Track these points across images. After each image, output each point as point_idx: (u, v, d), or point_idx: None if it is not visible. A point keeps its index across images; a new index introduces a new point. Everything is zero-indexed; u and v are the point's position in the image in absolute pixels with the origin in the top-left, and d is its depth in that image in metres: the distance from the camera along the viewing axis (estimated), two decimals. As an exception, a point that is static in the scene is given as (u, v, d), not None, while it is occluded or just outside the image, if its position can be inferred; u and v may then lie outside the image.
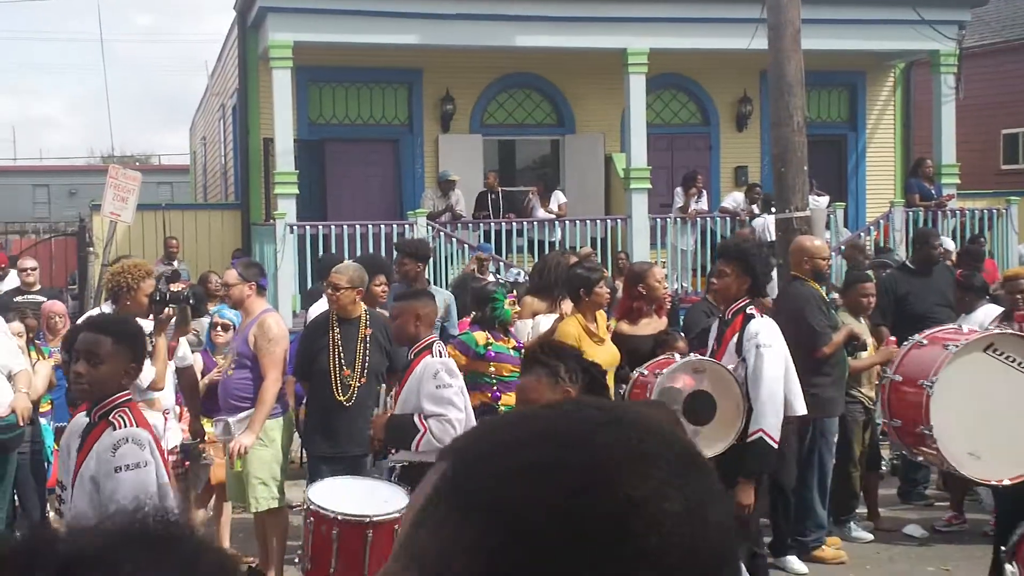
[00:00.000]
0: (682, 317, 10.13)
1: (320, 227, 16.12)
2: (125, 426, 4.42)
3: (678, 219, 17.52)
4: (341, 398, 7.32)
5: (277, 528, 7.71)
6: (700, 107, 20.29)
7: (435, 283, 13.25)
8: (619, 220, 17.48)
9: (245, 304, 7.69)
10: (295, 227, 15.91)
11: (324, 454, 7.41)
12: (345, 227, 15.90)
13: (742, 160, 19.29)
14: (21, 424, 7.06)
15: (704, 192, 18.02)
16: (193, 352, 8.23)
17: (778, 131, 11.63)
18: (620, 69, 17.40)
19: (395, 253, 10.09)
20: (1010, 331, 6.90)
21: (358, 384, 7.35)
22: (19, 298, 11.73)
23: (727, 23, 17.09)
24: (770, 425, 6.56)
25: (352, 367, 7.34)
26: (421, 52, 17.76)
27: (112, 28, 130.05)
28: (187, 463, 8.24)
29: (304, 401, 8.28)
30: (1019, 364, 6.44)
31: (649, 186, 17.46)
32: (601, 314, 7.82)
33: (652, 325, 8.14)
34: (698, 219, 17.45)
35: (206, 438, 8.33)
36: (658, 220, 17.43)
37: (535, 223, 17.08)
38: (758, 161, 19.73)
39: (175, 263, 15.66)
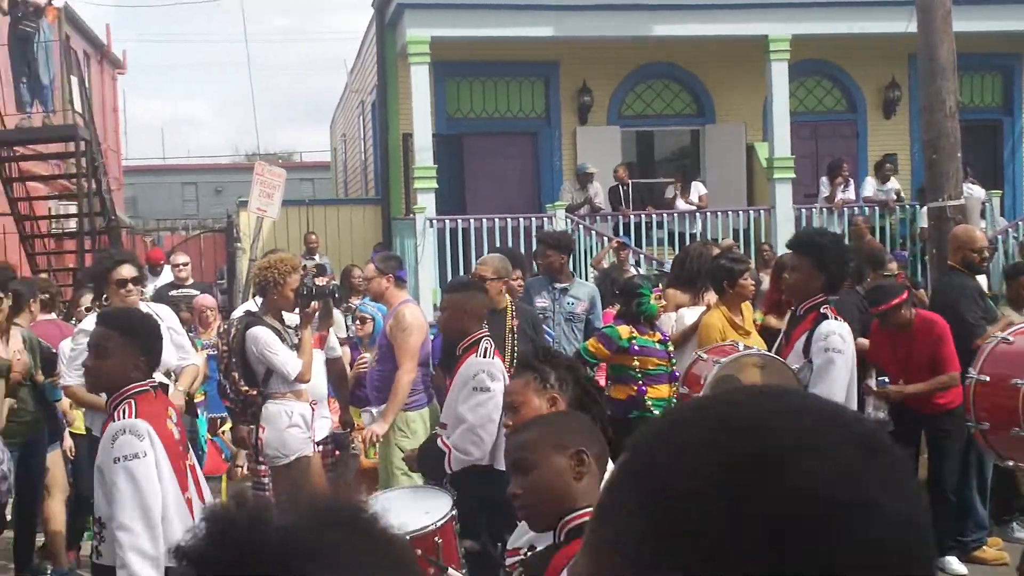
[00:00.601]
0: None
1: (459, 221, 16.19)
2: (124, 418, 4.49)
3: (824, 209, 17.13)
4: None
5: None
6: (845, 93, 19.80)
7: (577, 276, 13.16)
8: (762, 211, 17.18)
9: (385, 296, 7.78)
10: (435, 221, 16.00)
11: None
12: (484, 220, 15.93)
13: (890, 147, 18.73)
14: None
15: (851, 181, 17.56)
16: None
17: (929, 117, 11.22)
18: (762, 56, 17.07)
19: (535, 246, 10.01)
20: None
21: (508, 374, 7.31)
22: (173, 292, 12.08)
23: (873, 6, 16.67)
24: None
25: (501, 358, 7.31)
26: (558, 44, 17.70)
27: (253, 29, 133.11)
28: (337, 452, 8.37)
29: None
30: None
31: (793, 176, 17.11)
32: (747, 306, 7.66)
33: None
34: (845, 209, 17.03)
35: (356, 428, 8.44)
36: (803, 210, 17.08)
37: (675, 215, 16.88)
38: (907, 148, 19.18)
39: (316, 258, 15.92)
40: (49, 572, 8.05)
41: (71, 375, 6.94)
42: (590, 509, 2.80)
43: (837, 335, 5.99)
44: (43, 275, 13.88)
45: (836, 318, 6.11)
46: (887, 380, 7.71)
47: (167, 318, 7.24)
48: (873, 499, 0.93)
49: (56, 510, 8.00)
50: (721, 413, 1.01)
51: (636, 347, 7.56)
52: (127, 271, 6.93)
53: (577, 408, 4.00)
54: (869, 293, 8.12)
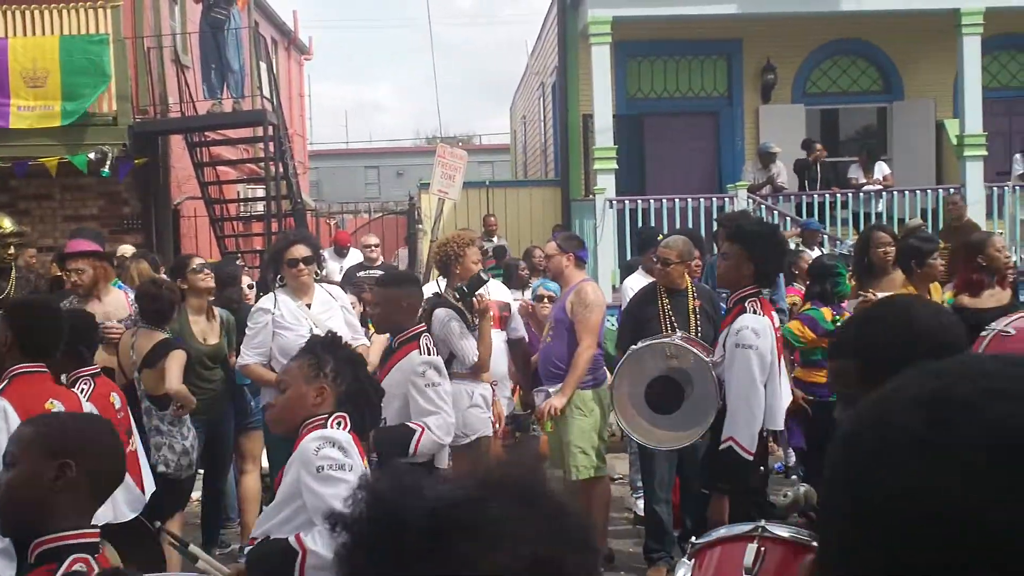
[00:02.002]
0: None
1: (639, 201, 16.15)
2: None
3: (1017, 187, 16.49)
4: None
5: (599, 498, 7.77)
6: (1042, 68, 18.99)
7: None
8: (952, 190, 16.63)
9: (564, 274, 7.83)
10: (614, 202, 16.00)
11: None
12: (664, 201, 15.86)
13: (1090, 123, 17.93)
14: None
15: (1048, 158, 16.85)
16: None
17: None
18: (952, 31, 16.50)
19: (715, 227, 9.94)
20: None
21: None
22: (361, 273, 12.35)
23: (1074, -24, 15.92)
24: (741, 435, 5.78)
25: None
26: (740, 21, 17.47)
27: (435, 13, 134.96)
28: (517, 434, 8.41)
29: None
30: None
31: (985, 153, 16.51)
32: (936, 287, 7.46)
33: (995, 298, 7.68)
34: (1040, 187, 16.36)
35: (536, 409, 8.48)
36: (995, 189, 16.47)
37: (859, 194, 16.48)
38: (1109, 123, 18.30)
39: (495, 240, 16.11)
40: (238, 547, 8.12)
41: (249, 354, 7.17)
42: (68, 533, 2.69)
43: (750, 330, 5.73)
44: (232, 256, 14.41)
45: (760, 312, 5.84)
46: None
47: (340, 298, 7.50)
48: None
49: (251, 486, 8.18)
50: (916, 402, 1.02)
51: (840, 328, 7.46)
52: (299, 251, 7.15)
53: (349, 404, 3.92)
54: None
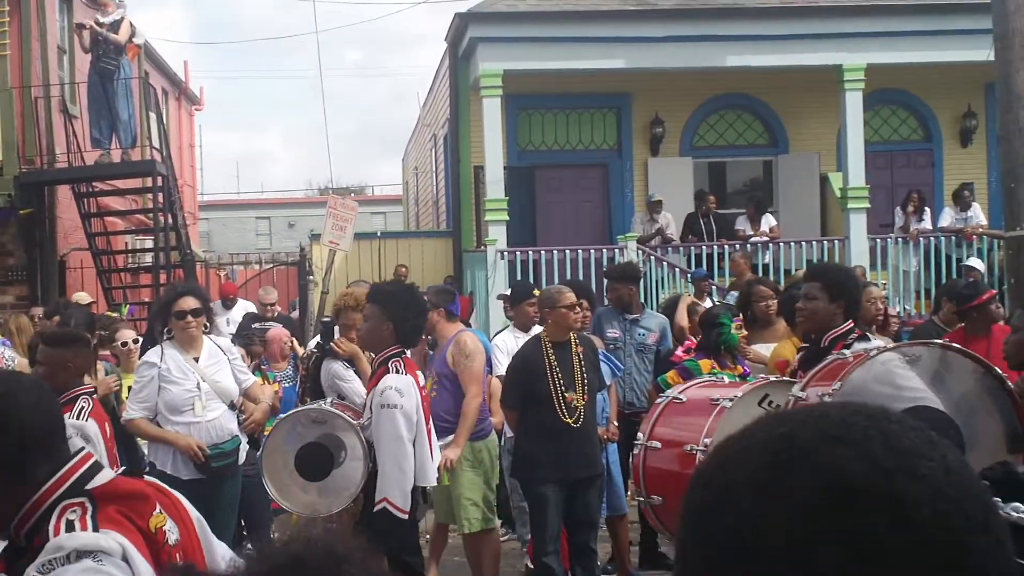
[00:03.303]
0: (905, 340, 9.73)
1: (530, 252, 16.21)
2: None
3: (899, 239, 16.92)
4: (568, 420, 7.21)
5: (490, 550, 7.72)
6: (921, 122, 19.58)
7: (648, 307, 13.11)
8: (836, 241, 17.00)
9: (437, 329, 7.81)
10: (506, 253, 16.04)
11: (552, 479, 7.29)
12: (555, 252, 15.94)
13: (967, 176, 18.47)
14: (249, 428, 7.26)
15: (927, 210, 17.33)
16: None
17: (1007, 146, 11.10)
18: (835, 86, 16.95)
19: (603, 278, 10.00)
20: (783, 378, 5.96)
21: (582, 404, 7.27)
22: (256, 325, 12.18)
23: (948, 35, 16.49)
24: (393, 494, 5.81)
25: (574, 389, 7.26)
26: (630, 76, 17.73)
27: (326, 64, 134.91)
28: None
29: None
30: None
31: (868, 205, 16.92)
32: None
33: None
34: (920, 239, 16.80)
35: None
36: (878, 240, 16.88)
37: (747, 245, 16.76)
38: (984, 177, 18.90)
39: None
40: None
41: (134, 408, 7.00)
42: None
43: (393, 389, 5.82)
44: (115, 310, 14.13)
45: (403, 371, 5.94)
46: None
47: (229, 351, 7.38)
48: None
49: None
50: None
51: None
52: (188, 303, 7.01)
53: None
54: (958, 291, 7.95)
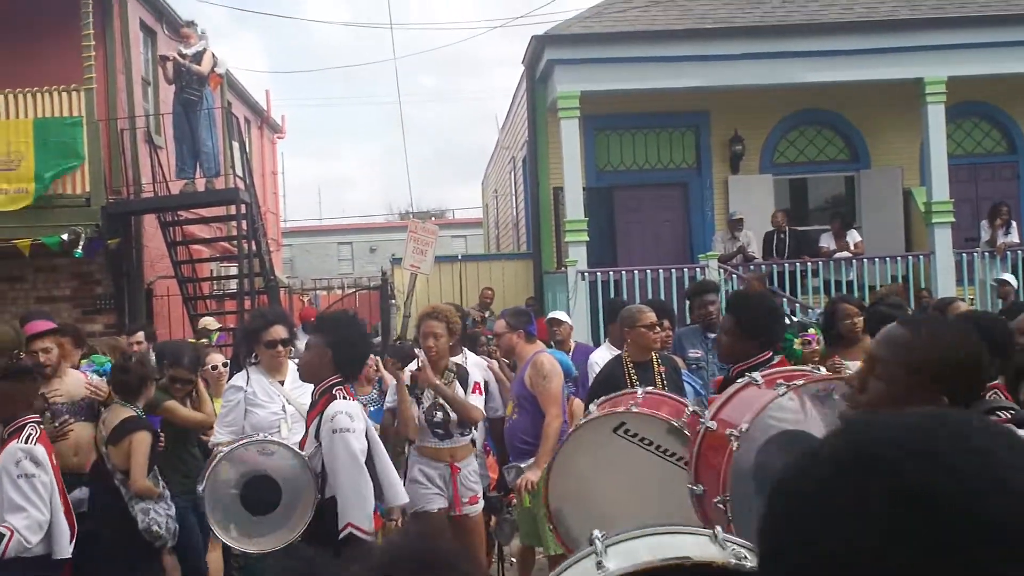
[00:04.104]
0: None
1: (611, 273, 16.21)
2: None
3: (986, 253, 16.67)
4: None
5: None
6: (1005, 134, 19.28)
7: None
8: (921, 256, 16.79)
9: (516, 351, 7.85)
10: (586, 274, 16.06)
11: None
12: (636, 272, 15.92)
13: (1053, 188, 18.19)
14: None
15: (1013, 224, 17.07)
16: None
17: (1095, 155, 10.91)
18: (917, 100, 16.78)
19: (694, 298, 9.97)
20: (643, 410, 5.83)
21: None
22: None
23: (1031, 45, 16.24)
24: (358, 518, 5.72)
25: None
26: (707, 94, 17.69)
27: (404, 89, 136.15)
28: (493, 518, 8.27)
29: None
30: (653, 446, 5.57)
31: (952, 220, 16.70)
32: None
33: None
34: (1007, 252, 16.54)
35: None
36: (963, 255, 16.64)
37: (830, 262, 16.61)
38: (1071, 188, 18.56)
39: (488, 312, 16.30)
40: None
41: (221, 431, 7.03)
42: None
43: (344, 414, 5.74)
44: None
45: (347, 397, 5.87)
46: None
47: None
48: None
49: (215, 560, 8.12)
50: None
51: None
52: (278, 332, 7.08)
53: None
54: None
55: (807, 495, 1.02)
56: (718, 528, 3.49)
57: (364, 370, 10.21)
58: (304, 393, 7.21)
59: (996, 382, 4.43)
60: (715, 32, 16.82)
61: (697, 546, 2.67)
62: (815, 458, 1.06)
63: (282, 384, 7.15)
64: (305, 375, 6.27)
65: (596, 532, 2.71)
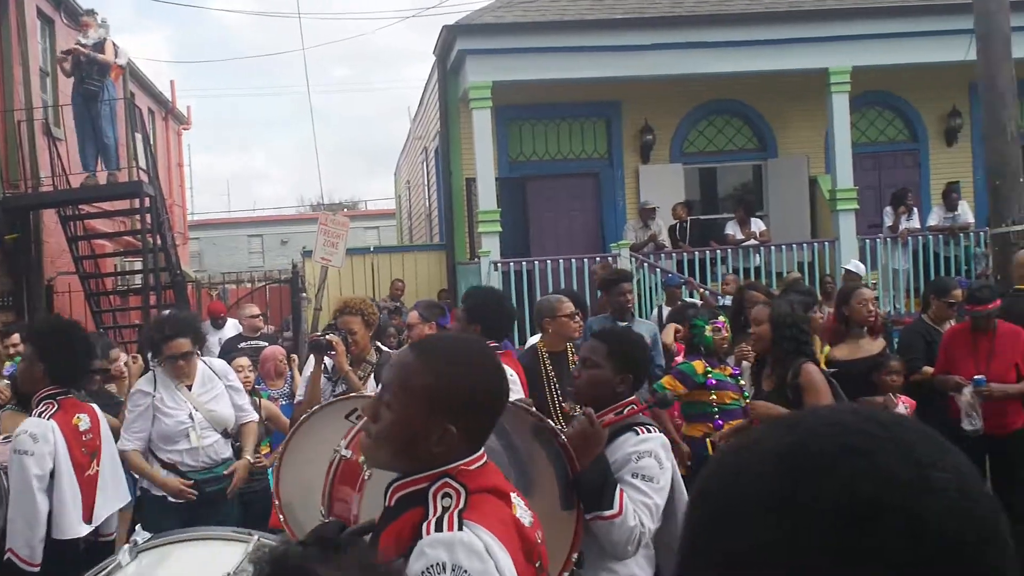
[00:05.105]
0: (896, 339, 9.80)
1: (524, 263, 16.25)
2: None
3: (888, 239, 17.01)
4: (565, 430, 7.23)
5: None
6: (907, 123, 19.67)
7: (640, 315, 13.16)
8: (826, 243, 17.07)
9: None
10: (499, 264, 16.08)
11: None
12: (548, 262, 15.97)
13: (953, 175, 18.59)
14: (228, 493, 7.09)
15: (915, 210, 17.46)
16: None
17: (991, 143, 11.19)
18: (822, 89, 17.06)
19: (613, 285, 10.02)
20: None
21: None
22: (242, 344, 12.16)
23: (932, 36, 16.58)
24: (18, 545, 5.44)
25: (571, 399, 7.29)
26: (618, 84, 17.78)
27: (314, 81, 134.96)
28: None
29: None
30: None
31: (856, 207, 17.02)
32: (817, 340, 7.61)
33: (865, 348, 7.89)
34: (909, 238, 16.91)
35: None
36: (867, 241, 16.97)
37: (739, 250, 16.82)
38: (970, 175, 19.00)
39: (399, 302, 16.23)
40: None
41: (128, 438, 6.82)
42: None
43: (27, 434, 5.52)
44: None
45: (48, 415, 5.65)
46: (984, 379, 7.60)
47: (224, 374, 7.21)
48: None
49: None
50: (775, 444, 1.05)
51: (712, 380, 7.55)
52: (179, 346, 6.82)
53: None
54: (974, 292, 8.00)
55: (743, 493, 1.01)
56: (256, 535, 3.55)
57: (273, 365, 10.16)
58: (213, 398, 7.05)
59: (634, 398, 4.42)
60: (625, 23, 16.92)
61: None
62: (752, 455, 1.04)
63: (189, 389, 6.99)
64: (21, 386, 5.99)
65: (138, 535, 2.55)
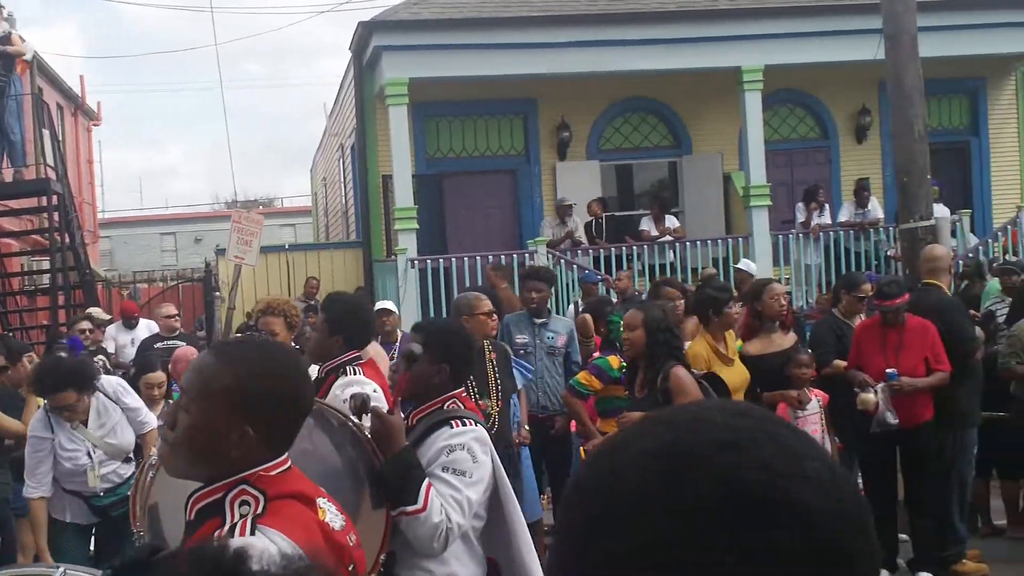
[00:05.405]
0: (808, 333, 9.97)
1: (441, 260, 16.22)
2: None
3: (801, 235, 17.28)
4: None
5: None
6: (818, 121, 19.98)
7: (557, 311, 13.22)
8: (740, 239, 17.29)
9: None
10: (416, 262, 16.04)
11: None
12: (466, 259, 15.97)
13: (863, 172, 18.92)
14: None
15: (826, 206, 17.76)
16: None
17: (899, 141, 11.42)
18: (735, 87, 17.26)
19: (518, 282, 10.08)
20: None
21: (496, 411, 7.32)
22: (158, 345, 11.98)
23: (842, 35, 16.86)
24: None
25: (488, 396, 7.31)
26: (536, 82, 17.83)
27: (228, 76, 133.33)
28: None
29: None
30: None
31: (769, 203, 17.26)
32: (731, 334, 7.71)
33: (777, 343, 8.01)
34: (821, 234, 17.20)
35: None
36: (780, 237, 17.21)
37: (654, 246, 16.97)
38: (879, 172, 19.34)
39: (313, 301, 16.05)
40: None
41: (33, 486, 6.67)
42: None
43: None
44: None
45: None
46: (896, 373, 7.71)
47: (119, 397, 7.02)
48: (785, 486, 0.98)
49: None
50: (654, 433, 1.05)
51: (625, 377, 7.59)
52: (65, 399, 6.62)
53: None
54: (882, 287, 8.13)
55: (621, 492, 1.00)
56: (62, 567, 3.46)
57: (186, 365, 10.01)
58: (111, 430, 6.85)
59: (459, 391, 4.39)
60: (542, 20, 16.97)
61: None
62: (628, 454, 1.03)
63: (86, 424, 6.80)
64: None
65: None
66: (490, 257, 15.93)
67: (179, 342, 11.91)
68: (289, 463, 2.56)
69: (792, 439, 1.02)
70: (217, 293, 17.63)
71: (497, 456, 4.29)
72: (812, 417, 7.78)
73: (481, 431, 4.25)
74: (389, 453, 3.96)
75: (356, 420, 4.09)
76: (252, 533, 2.31)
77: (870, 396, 7.65)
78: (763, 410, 1.10)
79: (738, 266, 14.53)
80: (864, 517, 1.02)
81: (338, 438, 4.05)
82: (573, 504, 1.06)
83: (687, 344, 7.72)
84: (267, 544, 2.24)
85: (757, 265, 16.14)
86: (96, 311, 13.67)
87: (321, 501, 2.57)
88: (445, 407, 4.29)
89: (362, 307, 5.73)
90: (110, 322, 14.20)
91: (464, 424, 4.19)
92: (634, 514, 0.98)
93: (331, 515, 2.57)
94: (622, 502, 1.00)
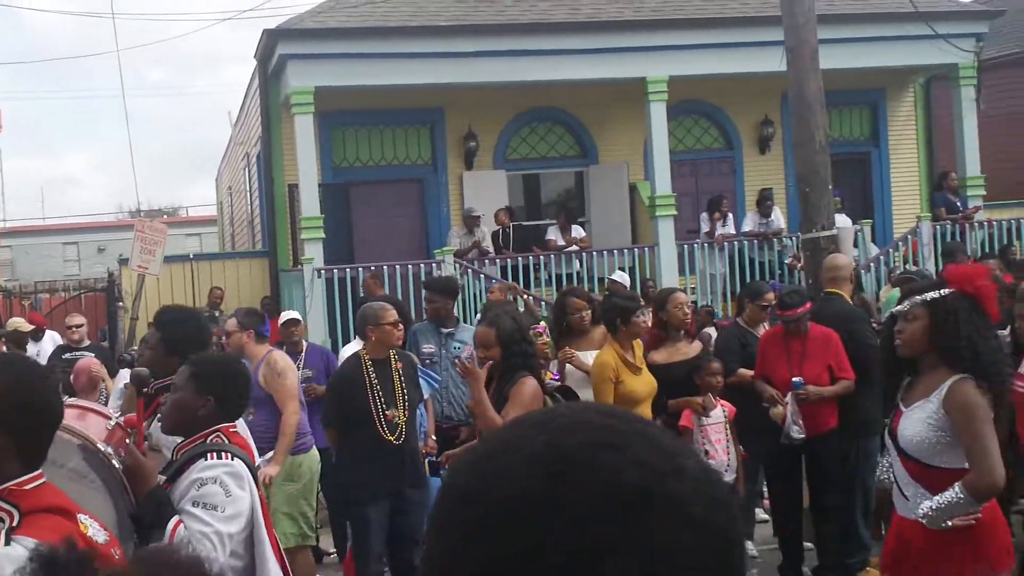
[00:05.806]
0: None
1: (348, 270, 16.13)
2: None
3: (706, 244, 17.48)
4: (389, 437, 7.23)
5: (302, 568, 7.63)
6: (722, 131, 20.26)
7: (465, 320, 13.22)
8: (646, 249, 17.44)
9: (245, 351, 7.75)
10: (323, 271, 15.93)
11: (374, 498, 7.26)
12: (373, 268, 15.89)
13: (766, 182, 19.23)
14: None
15: (730, 216, 18.00)
16: None
17: (801, 152, 11.62)
18: (641, 98, 17.43)
19: (423, 292, 10.06)
20: None
21: (403, 421, 7.30)
22: (66, 355, 11.73)
23: (745, 47, 17.14)
24: None
25: (394, 406, 7.28)
26: (442, 91, 17.82)
27: (130, 85, 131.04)
28: None
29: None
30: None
31: (675, 213, 17.44)
32: (639, 343, 7.76)
33: (682, 352, 8.09)
34: (725, 243, 17.42)
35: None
36: (685, 246, 17.40)
37: (561, 256, 17.05)
38: (782, 182, 19.66)
39: (218, 311, 15.82)
40: None
41: None
42: None
43: None
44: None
45: None
46: (803, 381, 7.78)
47: None
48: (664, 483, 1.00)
49: None
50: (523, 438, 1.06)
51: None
52: None
53: None
54: (783, 297, 8.22)
55: (501, 497, 1.01)
56: None
57: (86, 377, 9.82)
58: None
59: (227, 424, 4.27)
60: (448, 30, 16.98)
61: None
62: (504, 459, 1.04)
63: None
64: None
65: None
66: (397, 267, 15.89)
67: (87, 353, 11.64)
68: (44, 478, 2.54)
69: (664, 438, 1.05)
70: (120, 303, 17.32)
71: (257, 495, 4.14)
72: (717, 426, 7.87)
73: (237, 465, 4.09)
74: (140, 492, 3.85)
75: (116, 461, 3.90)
76: (7, 544, 2.27)
77: (779, 411, 7.77)
78: (631, 412, 1.12)
79: (612, 277, 14.58)
80: (734, 509, 1.05)
81: (97, 464, 3.87)
82: (447, 511, 1.06)
83: (595, 353, 7.79)
84: (21, 551, 2.19)
85: (664, 275, 16.36)
86: (18, 321, 13.23)
87: (82, 517, 2.54)
88: (209, 440, 4.17)
89: (200, 326, 5.66)
90: (37, 332, 13.80)
91: (220, 457, 4.06)
92: (516, 517, 0.99)
93: (94, 530, 2.54)
94: (502, 507, 1.00)
